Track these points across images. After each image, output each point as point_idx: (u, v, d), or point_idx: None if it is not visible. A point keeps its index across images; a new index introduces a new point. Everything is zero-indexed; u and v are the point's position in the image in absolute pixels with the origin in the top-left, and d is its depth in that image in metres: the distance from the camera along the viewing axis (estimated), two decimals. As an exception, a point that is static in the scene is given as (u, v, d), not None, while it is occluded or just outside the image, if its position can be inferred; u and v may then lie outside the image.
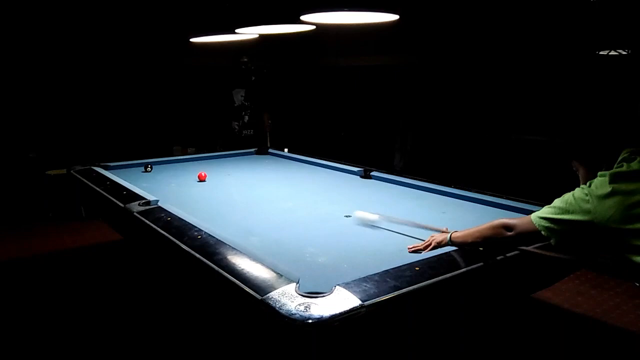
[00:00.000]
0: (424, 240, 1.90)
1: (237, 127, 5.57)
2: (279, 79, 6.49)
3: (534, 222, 1.54)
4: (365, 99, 6.35)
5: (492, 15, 4.65)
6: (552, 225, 1.50)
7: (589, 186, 1.46)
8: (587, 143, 1.58)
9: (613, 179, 1.42)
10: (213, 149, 5.01)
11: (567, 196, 1.50)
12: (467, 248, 1.75)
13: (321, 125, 6.79)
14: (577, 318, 2.97)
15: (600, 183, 1.44)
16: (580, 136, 1.60)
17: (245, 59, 5.66)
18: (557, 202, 1.51)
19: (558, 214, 1.49)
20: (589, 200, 1.43)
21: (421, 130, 5.60)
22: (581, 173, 1.59)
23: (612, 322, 2.89)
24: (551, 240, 1.53)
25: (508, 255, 1.76)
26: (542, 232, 1.52)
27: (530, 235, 1.56)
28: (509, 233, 1.61)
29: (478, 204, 2.57)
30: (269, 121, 5.77)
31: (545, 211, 1.53)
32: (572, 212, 1.45)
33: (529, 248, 1.70)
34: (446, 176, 3.13)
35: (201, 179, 3.19)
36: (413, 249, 1.87)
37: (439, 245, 1.83)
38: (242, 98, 5.57)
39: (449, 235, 1.81)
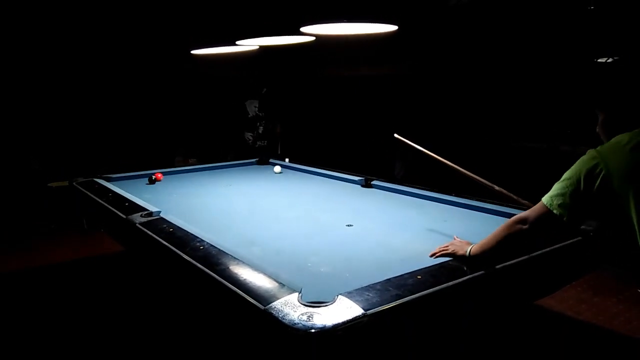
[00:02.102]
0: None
1: (251, 138, 5.35)
2: (289, 89, 6.47)
3: (546, 203, 1.49)
4: (365, 108, 6.38)
5: (491, 23, 4.68)
6: (563, 200, 1.45)
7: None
8: (621, 93, 1.51)
9: (630, 141, 1.39)
10: (223, 160, 4.92)
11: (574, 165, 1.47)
12: (489, 257, 1.71)
13: (322, 135, 6.81)
14: (580, 325, 2.97)
15: (615, 140, 1.43)
16: (616, 85, 1.54)
17: (256, 70, 5.57)
18: (564, 175, 1.49)
19: (566, 181, 1.45)
20: (597, 149, 1.42)
21: (422, 139, 5.62)
22: (599, 129, 1.54)
23: (616, 329, 2.88)
24: (564, 218, 1.46)
25: (510, 262, 1.77)
26: (555, 211, 1.47)
27: (545, 219, 1.50)
28: (524, 226, 1.56)
29: (480, 212, 2.57)
30: (279, 131, 5.67)
31: (555, 187, 1.50)
32: (579, 170, 1.42)
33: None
34: (447, 185, 3.13)
35: (157, 179, 3.46)
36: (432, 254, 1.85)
37: (454, 256, 1.78)
38: (256, 109, 5.37)
39: (468, 249, 1.75)
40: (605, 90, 1.55)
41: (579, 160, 1.46)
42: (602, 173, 1.39)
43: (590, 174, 1.41)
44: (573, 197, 1.44)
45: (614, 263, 3.61)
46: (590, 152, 1.45)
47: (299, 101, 6.88)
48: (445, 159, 2.40)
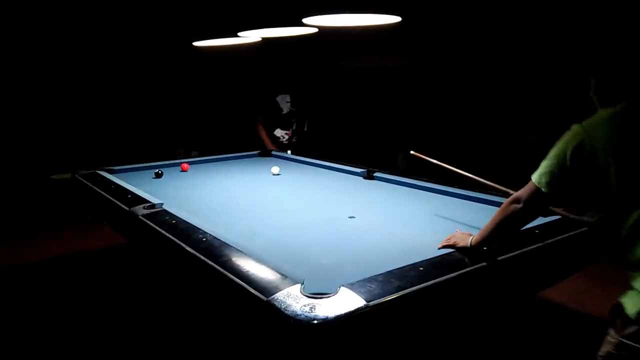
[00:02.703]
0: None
1: (285, 136, 4.77)
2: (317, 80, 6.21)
3: (535, 182, 1.49)
4: (368, 100, 6.36)
5: (496, 18, 4.65)
6: (550, 177, 1.45)
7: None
8: (613, 59, 1.50)
9: (613, 115, 1.41)
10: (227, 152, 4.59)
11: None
12: (491, 244, 1.71)
13: (324, 127, 6.79)
14: (582, 317, 2.97)
15: (598, 115, 1.44)
16: (609, 51, 1.52)
17: (258, 62, 5.21)
18: (549, 153, 1.48)
19: (552, 159, 1.45)
20: (581, 125, 1.42)
21: (425, 130, 5.61)
22: (592, 96, 1.53)
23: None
24: (552, 195, 1.47)
25: (512, 254, 1.77)
26: (543, 189, 1.47)
27: (536, 197, 1.50)
28: (518, 205, 1.55)
29: (482, 204, 2.57)
30: (307, 125, 5.14)
31: (542, 165, 1.49)
32: (565, 147, 1.42)
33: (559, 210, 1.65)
34: (450, 176, 3.13)
35: (183, 170, 3.57)
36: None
37: (456, 248, 1.78)
38: (289, 104, 4.77)
39: (469, 240, 1.74)
40: (598, 55, 1.53)
41: (563, 137, 1.45)
42: (587, 148, 1.39)
43: (575, 150, 1.40)
44: (560, 174, 1.44)
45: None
46: (574, 128, 1.43)
47: (301, 93, 6.86)
48: (465, 171, 2.38)
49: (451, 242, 1.81)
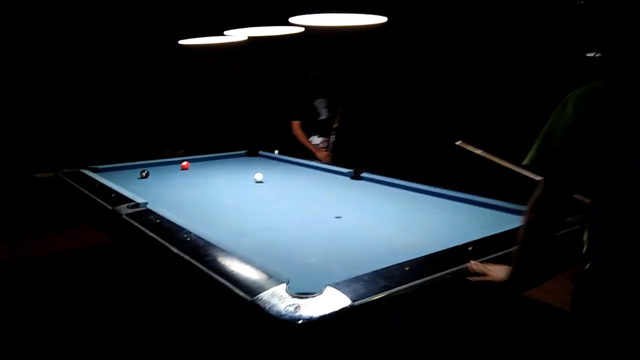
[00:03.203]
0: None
1: (322, 143, 4.33)
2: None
3: (529, 163, 1.37)
4: (355, 99, 6.36)
5: (488, 15, 4.68)
6: (540, 154, 1.35)
7: None
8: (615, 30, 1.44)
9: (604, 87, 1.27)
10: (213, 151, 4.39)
11: None
12: (531, 268, 1.53)
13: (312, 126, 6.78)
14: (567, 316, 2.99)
15: (589, 85, 1.30)
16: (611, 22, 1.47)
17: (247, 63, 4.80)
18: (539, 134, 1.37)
19: (540, 137, 1.35)
20: (571, 94, 1.31)
21: (414, 130, 5.62)
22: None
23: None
24: (556, 178, 1.34)
25: (497, 254, 1.77)
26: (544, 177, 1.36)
27: (545, 189, 1.37)
28: (532, 208, 1.41)
29: (468, 205, 2.58)
30: (336, 127, 4.57)
31: (532, 150, 1.38)
32: (553, 122, 1.32)
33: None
34: (437, 177, 3.13)
35: (184, 168, 3.60)
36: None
37: (488, 282, 1.57)
38: (327, 110, 4.34)
39: (504, 273, 1.54)
40: (603, 26, 1.50)
41: (553, 113, 1.34)
42: (575, 120, 1.27)
43: (564, 123, 1.29)
44: (551, 152, 1.33)
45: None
46: (563, 101, 1.32)
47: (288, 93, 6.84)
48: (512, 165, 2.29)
49: (486, 278, 1.60)
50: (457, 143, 2.57)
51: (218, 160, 4.04)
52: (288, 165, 3.83)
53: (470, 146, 2.41)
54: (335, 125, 4.40)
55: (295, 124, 4.35)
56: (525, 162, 1.39)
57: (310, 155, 4.14)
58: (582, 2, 4.22)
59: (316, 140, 4.34)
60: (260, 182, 3.16)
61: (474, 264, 1.64)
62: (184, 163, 3.66)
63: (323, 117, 4.36)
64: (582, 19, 4.20)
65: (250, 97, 6.74)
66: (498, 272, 1.58)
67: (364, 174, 3.25)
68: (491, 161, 2.32)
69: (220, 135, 6.05)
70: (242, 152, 4.27)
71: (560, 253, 2.11)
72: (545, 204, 1.40)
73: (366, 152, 5.16)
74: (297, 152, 4.14)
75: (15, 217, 4.91)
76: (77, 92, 5.62)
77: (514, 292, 1.55)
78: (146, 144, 5.60)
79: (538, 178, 1.42)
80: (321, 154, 4.20)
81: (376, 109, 5.90)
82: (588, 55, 4.50)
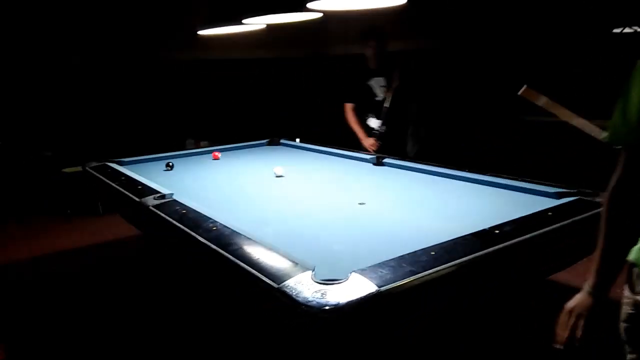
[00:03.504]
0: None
1: (380, 128, 3.92)
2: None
3: (607, 140, 1.20)
4: (411, 81, 6.27)
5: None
6: (619, 124, 1.16)
7: None
8: None
9: None
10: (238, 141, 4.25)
11: None
12: (617, 267, 1.27)
13: (331, 114, 6.76)
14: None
15: None
16: None
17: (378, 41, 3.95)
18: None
19: (622, 101, 1.15)
20: None
21: (435, 115, 5.55)
22: None
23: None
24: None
25: (524, 237, 1.74)
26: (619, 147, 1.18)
27: (625, 164, 1.17)
28: (613, 191, 1.21)
29: (493, 187, 2.54)
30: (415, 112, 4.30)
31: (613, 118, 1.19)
32: (632, 79, 1.12)
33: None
34: (461, 161, 3.09)
35: (215, 158, 3.65)
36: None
37: (582, 314, 1.28)
38: (384, 88, 3.94)
39: (587, 289, 1.29)
40: None
41: (631, 76, 1.14)
42: None
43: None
44: (630, 120, 1.14)
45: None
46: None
47: (306, 81, 6.81)
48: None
49: (578, 320, 1.30)
50: (520, 92, 2.37)
51: (241, 150, 4.07)
52: (310, 153, 3.83)
53: (534, 93, 2.21)
54: (385, 106, 3.92)
55: (348, 107, 4.07)
56: (604, 137, 1.21)
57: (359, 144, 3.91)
58: None
59: (373, 122, 3.96)
60: (281, 176, 3.00)
61: (561, 328, 1.32)
62: (216, 153, 3.71)
63: (379, 97, 3.95)
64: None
65: (272, 86, 6.74)
66: (579, 300, 1.31)
67: (386, 160, 3.22)
68: (554, 113, 2.17)
69: (242, 124, 6.08)
70: (264, 141, 4.28)
71: (587, 235, 2.07)
72: (627, 182, 1.18)
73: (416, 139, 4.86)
74: (320, 139, 4.11)
75: (43, 212, 5.05)
76: (100, 86, 5.71)
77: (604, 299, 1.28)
78: (169, 136, 5.67)
79: (603, 135, 1.24)
80: (367, 142, 3.91)
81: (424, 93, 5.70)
82: (615, 31, 4.35)
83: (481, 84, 5.17)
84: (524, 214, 1.95)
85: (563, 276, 3.05)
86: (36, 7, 5.09)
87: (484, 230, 1.79)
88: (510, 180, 2.52)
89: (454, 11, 5.01)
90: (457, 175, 2.75)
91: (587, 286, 1.30)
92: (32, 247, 4.16)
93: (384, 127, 3.91)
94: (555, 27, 4.44)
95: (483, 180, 2.62)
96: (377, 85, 3.97)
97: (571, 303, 1.31)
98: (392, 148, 3.77)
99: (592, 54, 4.41)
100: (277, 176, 3.00)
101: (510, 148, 4.82)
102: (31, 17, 5.11)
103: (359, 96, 4.01)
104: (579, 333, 1.27)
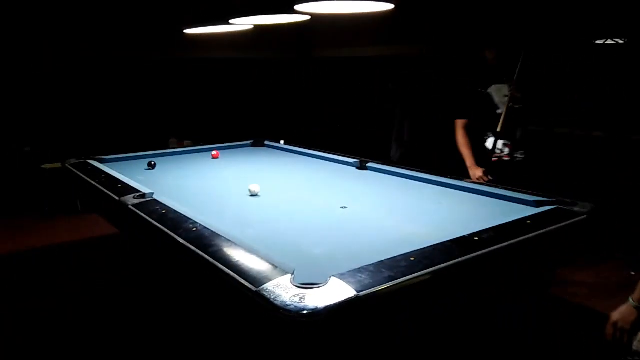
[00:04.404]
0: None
1: (504, 148, 3.11)
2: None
3: None
4: (361, 89, 6.33)
5: (489, 5, 4.62)
6: None
7: None
8: None
9: None
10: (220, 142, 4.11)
11: None
12: None
13: (317, 116, 6.77)
14: (577, 308, 2.99)
15: None
16: None
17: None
18: None
19: None
20: None
21: (418, 120, 5.59)
22: None
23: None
24: None
25: (502, 245, 1.76)
26: None
27: None
28: None
29: (474, 194, 2.56)
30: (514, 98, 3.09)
31: None
32: None
33: None
34: (442, 167, 3.12)
35: (214, 157, 3.64)
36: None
37: (625, 327, 1.44)
38: (508, 98, 3.04)
39: (631, 302, 1.43)
40: None
41: None
42: None
43: None
44: None
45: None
46: None
47: (291, 83, 6.81)
48: None
49: (618, 333, 1.46)
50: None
51: (224, 151, 4.03)
52: (294, 155, 3.83)
53: None
54: (498, 129, 3.05)
55: (459, 124, 3.25)
56: None
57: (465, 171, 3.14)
58: None
59: (494, 142, 3.11)
60: (256, 195, 2.59)
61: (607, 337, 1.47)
62: (214, 152, 3.70)
63: (502, 110, 3.07)
64: (590, 6, 4.14)
65: (257, 87, 6.73)
66: (624, 313, 1.45)
67: (370, 164, 3.23)
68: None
69: (226, 125, 6.06)
70: (248, 142, 4.26)
71: (567, 245, 2.10)
72: None
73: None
74: (303, 142, 4.09)
75: (21, 208, 4.95)
76: (83, 83, 5.63)
77: None
78: (152, 135, 5.62)
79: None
80: (476, 172, 3.11)
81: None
82: (597, 42, 4.44)
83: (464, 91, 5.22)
84: (503, 222, 1.97)
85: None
86: (17, 5, 4.99)
87: (463, 237, 1.80)
88: (491, 188, 2.54)
89: (441, 17, 5.06)
90: (439, 182, 2.77)
91: (632, 300, 1.43)
92: (7, 244, 4.07)
93: (505, 150, 3.07)
94: (540, 36, 4.50)
95: (464, 187, 2.64)
96: (499, 94, 3.10)
97: (616, 315, 1.45)
98: (511, 179, 2.78)
99: (574, 64, 4.50)
100: (251, 195, 2.58)
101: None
102: (11, 14, 5.02)
103: (475, 109, 3.17)
104: (624, 341, 1.44)
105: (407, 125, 5.60)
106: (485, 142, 3.14)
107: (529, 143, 3.17)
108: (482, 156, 3.15)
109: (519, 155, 3.13)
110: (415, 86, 5.61)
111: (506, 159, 3.11)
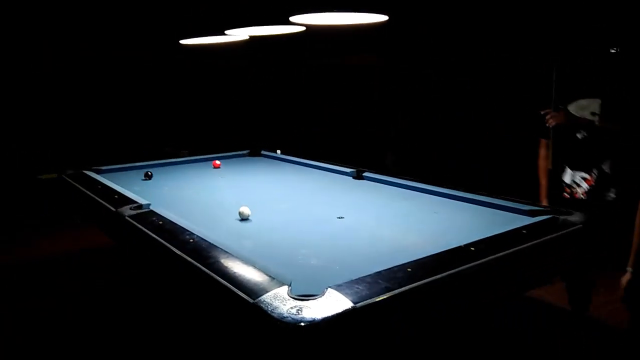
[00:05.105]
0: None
1: (583, 183, 2.53)
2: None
3: None
4: (357, 98, 6.36)
5: (481, 15, 4.66)
6: None
7: None
8: None
9: None
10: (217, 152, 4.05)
11: None
12: None
13: (314, 126, 6.79)
14: (569, 315, 2.99)
15: None
16: None
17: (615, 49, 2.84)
18: None
19: None
20: None
21: (414, 129, 5.62)
22: None
23: (604, 320, 2.91)
24: None
25: (498, 254, 1.77)
26: None
27: None
28: None
29: (469, 204, 2.57)
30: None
31: None
32: None
33: None
34: (438, 176, 3.13)
35: (215, 166, 3.66)
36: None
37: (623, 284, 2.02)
38: (597, 117, 2.38)
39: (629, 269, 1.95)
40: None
41: None
42: None
43: None
44: None
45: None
46: None
47: (286, 91, 6.84)
48: None
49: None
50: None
51: (221, 160, 4.04)
52: (290, 165, 3.83)
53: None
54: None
55: (541, 144, 2.75)
56: None
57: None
58: None
59: (572, 177, 2.48)
60: (246, 219, 2.35)
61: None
62: (217, 162, 3.72)
63: (582, 136, 2.47)
64: (581, 15, 4.17)
65: (254, 97, 6.75)
66: (624, 277, 1.99)
67: (367, 174, 3.24)
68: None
69: (223, 135, 6.07)
70: (245, 152, 4.27)
71: (563, 254, 2.10)
72: None
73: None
74: (300, 146, 4.07)
75: (18, 218, 4.93)
76: (80, 93, 5.63)
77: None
78: (149, 145, 5.62)
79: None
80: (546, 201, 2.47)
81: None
82: (612, 50, 4.43)
83: (461, 101, 5.26)
84: (499, 232, 1.98)
85: (538, 293, 3.10)
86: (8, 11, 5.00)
87: (459, 247, 1.81)
88: (486, 197, 2.55)
89: (436, 26, 5.10)
90: (435, 191, 2.78)
91: (628, 267, 1.91)
92: (4, 254, 4.05)
93: (582, 185, 2.38)
94: (537, 45, 4.55)
95: (460, 197, 2.65)
96: (585, 112, 2.40)
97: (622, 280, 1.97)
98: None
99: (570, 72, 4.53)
100: (242, 219, 2.35)
101: (488, 164, 4.91)
102: (11, 22, 5.03)
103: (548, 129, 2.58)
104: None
105: (403, 134, 5.63)
106: (563, 174, 2.49)
107: (623, 178, 2.37)
108: (557, 191, 2.54)
109: (611, 195, 2.36)
110: (408, 95, 5.64)
111: (582, 197, 2.38)
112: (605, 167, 2.35)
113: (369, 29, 2.64)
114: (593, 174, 2.38)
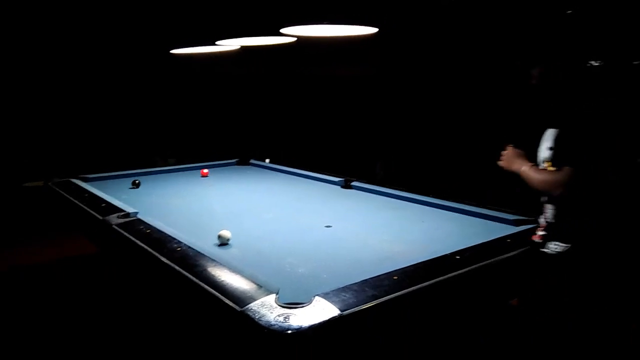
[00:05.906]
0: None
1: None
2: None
3: None
4: (346, 108, 6.40)
5: (470, 27, 4.74)
6: None
7: None
8: None
9: None
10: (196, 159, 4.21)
11: None
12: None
13: (302, 135, 6.81)
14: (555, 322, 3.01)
15: None
16: None
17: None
18: None
19: None
20: None
21: (403, 139, 5.67)
22: None
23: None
24: None
25: (483, 263, 1.80)
26: None
27: None
28: None
29: (456, 213, 2.61)
30: None
31: None
32: None
33: None
34: (426, 186, 3.16)
35: (203, 175, 3.66)
36: None
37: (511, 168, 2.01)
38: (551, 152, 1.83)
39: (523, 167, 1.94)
40: None
41: None
42: None
43: None
44: None
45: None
46: None
47: (277, 100, 6.86)
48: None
49: (510, 166, 2.03)
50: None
51: (210, 170, 4.04)
52: (279, 174, 3.84)
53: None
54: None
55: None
56: None
57: None
58: (568, 12, 4.28)
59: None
60: (225, 244, 2.14)
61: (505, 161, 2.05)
62: (205, 170, 3.73)
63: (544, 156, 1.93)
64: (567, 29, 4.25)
65: (243, 105, 6.76)
66: (520, 164, 1.93)
67: (355, 183, 3.26)
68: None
69: (211, 143, 6.06)
70: (234, 160, 4.28)
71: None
72: None
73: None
74: (287, 160, 4.11)
75: (1, 226, 4.86)
76: (67, 100, 5.60)
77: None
78: (137, 153, 5.59)
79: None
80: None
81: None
82: (592, 63, 4.53)
83: (450, 111, 5.32)
84: (484, 240, 2.01)
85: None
86: (6, 21, 4.99)
87: (445, 256, 1.83)
88: (473, 207, 2.59)
89: (426, 37, 5.17)
90: (422, 200, 2.81)
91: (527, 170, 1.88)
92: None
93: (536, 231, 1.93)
94: (527, 57, 4.62)
95: (446, 206, 2.68)
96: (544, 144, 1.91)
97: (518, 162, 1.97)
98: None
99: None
100: (220, 244, 2.13)
101: (474, 174, 4.96)
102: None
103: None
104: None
105: (392, 144, 5.67)
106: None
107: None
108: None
109: (552, 246, 1.81)
110: (397, 105, 5.70)
111: (537, 239, 1.90)
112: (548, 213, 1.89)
113: (359, 40, 2.68)
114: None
